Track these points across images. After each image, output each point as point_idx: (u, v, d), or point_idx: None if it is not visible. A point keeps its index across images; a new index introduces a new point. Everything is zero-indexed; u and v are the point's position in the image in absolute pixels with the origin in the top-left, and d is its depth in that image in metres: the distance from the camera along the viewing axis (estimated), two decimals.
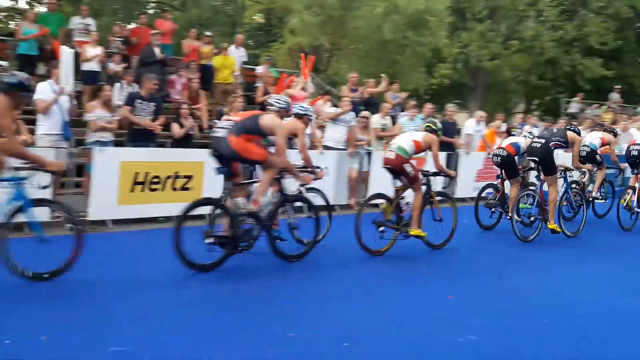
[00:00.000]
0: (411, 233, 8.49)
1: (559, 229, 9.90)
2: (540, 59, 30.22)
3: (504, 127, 16.30)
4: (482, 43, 28.12)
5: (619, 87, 26.46)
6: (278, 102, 7.99)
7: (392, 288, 6.83)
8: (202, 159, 10.12)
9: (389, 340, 5.16)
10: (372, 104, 14.86)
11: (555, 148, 10.09)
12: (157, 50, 13.38)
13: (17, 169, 6.26)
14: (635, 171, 11.49)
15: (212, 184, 9.91)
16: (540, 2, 29.41)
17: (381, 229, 8.38)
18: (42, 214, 6.66)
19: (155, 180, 9.80)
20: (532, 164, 10.29)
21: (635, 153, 11.42)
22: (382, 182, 12.29)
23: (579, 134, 10.69)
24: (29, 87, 6.35)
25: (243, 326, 5.29)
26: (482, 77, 29.92)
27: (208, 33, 16.01)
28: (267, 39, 30.11)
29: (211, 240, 7.09)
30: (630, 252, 9.81)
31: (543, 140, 10.06)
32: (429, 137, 8.82)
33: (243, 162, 7.68)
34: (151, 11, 27.26)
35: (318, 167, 8.66)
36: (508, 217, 10.18)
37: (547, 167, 9.92)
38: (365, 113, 13.05)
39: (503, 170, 10.74)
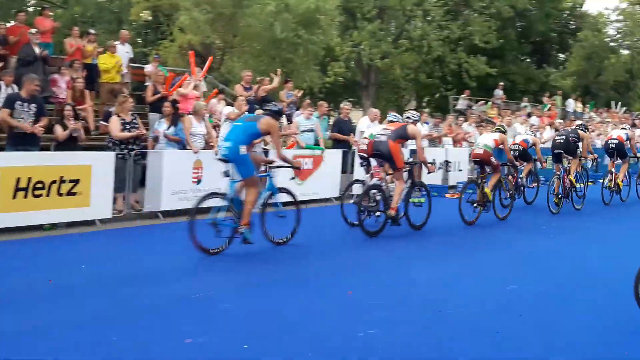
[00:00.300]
0: (486, 190, 11.28)
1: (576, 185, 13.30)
2: (428, 57, 31.14)
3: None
4: (373, 42, 28.65)
5: (502, 84, 27.67)
6: (413, 116, 10.74)
7: (294, 286, 6.70)
8: (89, 162, 9.73)
9: (289, 340, 5.04)
10: (266, 103, 14.68)
11: (573, 142, 13.15)
12: (36, 49, 12.64)
13: (270, 167, 8.97)
14: (612, 159, 14.77)
15: (101, 186, 9.64)
16: (426, 2, 30.28)
17: (475, 205, 11.15)
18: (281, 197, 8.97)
19: (39, 185, 9.18)
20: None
21: (613, 146, 14.60)
22: (278, 182, 12.27)
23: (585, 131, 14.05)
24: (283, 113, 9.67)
25: (131, 336, 5.02)
26: (374, 75, 30.49)
27: (92, 31, 15.33)
28: (156, 37, 29.37)
29: (378, 214, 9.78)
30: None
31: (564, 137, 13.25)
32: (502, 136, 11.90)
33: (389, 162, 9.99)
34: (31, 9, 25.90)
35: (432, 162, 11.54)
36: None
37: (571, 153, 13.08)
38: (258, 112, 12.80)
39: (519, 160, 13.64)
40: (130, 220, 10.44)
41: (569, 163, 13.04)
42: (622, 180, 14.62)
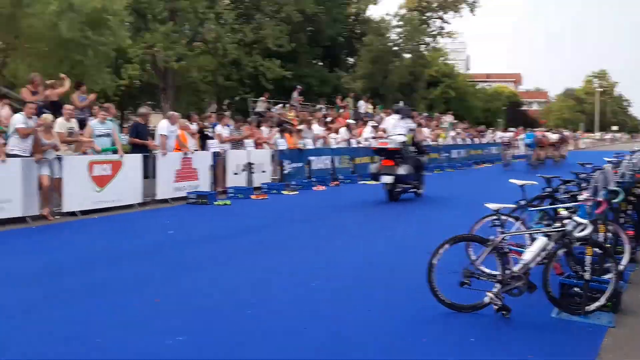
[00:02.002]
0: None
1: None
2: (224, 60, 31.12)
3: (195, 126, 16.38)
4: (167, 44, 28.03)
5: (300, 87, 28.44)
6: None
7: (98, 298, 6.28)
8: None
9: (96, 354, 4.75)
10: (58, 107, 13.76)
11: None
12: None
13: None
14: None
15: None
16: (218, 5, 30.25)
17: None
18: None
19: None
20: None
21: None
22: (74, 189, 11.60)
23: None
24: None
25: None
26: (171, 77, 29.85)
27: None
28: None
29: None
30: None
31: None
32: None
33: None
34: None
35: None
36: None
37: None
38: (46, 116, 11.96)
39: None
40: None
41: None
42: None
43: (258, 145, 17.69)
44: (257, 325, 5.51)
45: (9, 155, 11.01)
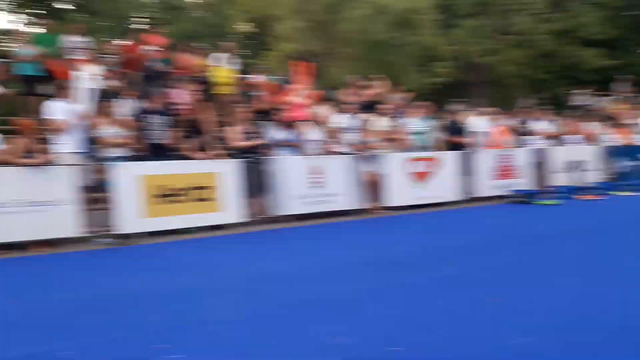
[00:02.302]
0: None
1: None
2: (536, 52, 29.89)
3: (511, 122, 15.87)
4: (476, 39, 27.76)
5: (627, 76, 25.89)
6: None
7: (436, 289, 6.16)
8: (218, 170, 10.37)
9: (431, 346, 4.55)
10: (373, 107, 14.38)
11: None
12: (157, 65, 12.90)
13: None
14: None
15: (229, 192, 10.34)
16: None
17: None
18: None
19: (175, 192, 9.90)
20: None
21: None
22: (395, 185, 12.16)
23: None
24: None
25: None
26: (480, 73, 29.54)
27: (199, 45, 15.47)
28: (259, 47, 29.68)
29: None
30: None
31: None
32: None
33: None
34: (137, 26, 26.73)
35: None
36: None
37: None
38: (365, 115, 12.80)
39: None
40: (258, 224, 10.68)
41: None
42: None
43: (584, 141, 16.56)
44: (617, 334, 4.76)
45: (336, 153, 11.94)
